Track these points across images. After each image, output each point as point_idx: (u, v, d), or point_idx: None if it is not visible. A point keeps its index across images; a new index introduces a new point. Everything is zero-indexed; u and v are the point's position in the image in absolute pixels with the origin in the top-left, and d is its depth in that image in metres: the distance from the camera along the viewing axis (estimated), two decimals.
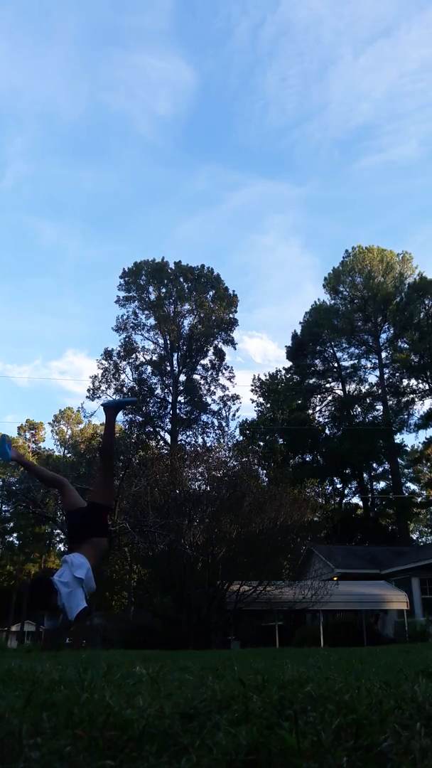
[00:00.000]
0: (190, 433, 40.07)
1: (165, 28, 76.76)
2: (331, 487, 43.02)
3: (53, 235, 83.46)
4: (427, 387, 41.21)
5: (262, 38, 72.35)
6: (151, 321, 41.82)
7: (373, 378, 44.35)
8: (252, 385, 45.78)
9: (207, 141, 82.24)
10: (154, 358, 41.51)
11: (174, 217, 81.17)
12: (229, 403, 40.87)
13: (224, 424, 40.06)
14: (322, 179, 78.77)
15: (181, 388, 41.43)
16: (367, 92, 75.61)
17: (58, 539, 46.84)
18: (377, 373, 43.46)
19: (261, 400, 45.05)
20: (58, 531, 34.40)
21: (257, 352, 77.81)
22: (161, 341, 41.89)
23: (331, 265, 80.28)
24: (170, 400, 40.86)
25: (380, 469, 43.04)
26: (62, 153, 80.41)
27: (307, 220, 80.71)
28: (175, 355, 41.93)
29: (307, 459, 43.20)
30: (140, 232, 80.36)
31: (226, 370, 41.64)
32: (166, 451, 24.98)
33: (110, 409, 5.35)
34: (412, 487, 44.54)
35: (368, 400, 43.51)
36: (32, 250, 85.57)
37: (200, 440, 37.27)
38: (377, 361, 43.35)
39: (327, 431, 43.83)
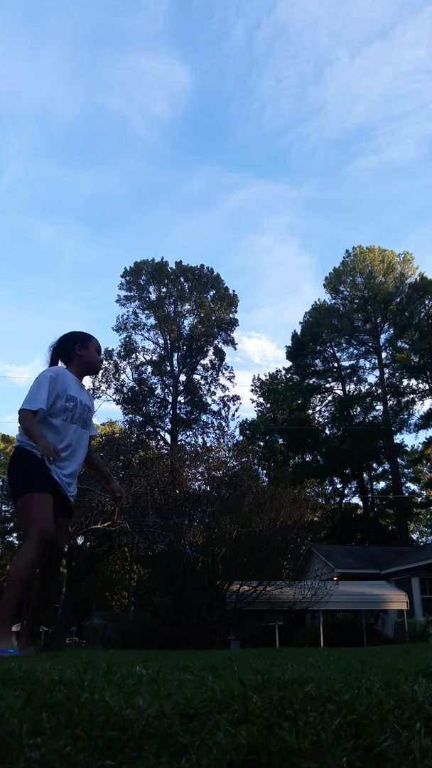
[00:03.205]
0: (190, 433, 40.12)
1: (161, 30, 76.65)
2: (331, 487, 43.05)
3: (51, 235, 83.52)
4: (427, 387, 41.21)
5: (258, 40, 72.23)
6: (151, 321, 41.87)
7: (372, 378, 44.43)
8: (252, 385, 45.85)
9: (204, 142, 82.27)
10: (154, 358, 41.53)
11: (171, 218, 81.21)
12: (229, 403, 40.92)
13: (224, 424, 40.11)
14: (318, 180, 78.77)
15: (181, 388, 41.44)
16: (363, 93, 75.55)
17: None
18: (377, 373, 43.50)
19: (261, 400, 45.09)
20: None
21: (256, 352, 77.89)
22: (161, 341, 41.92)
23: (328, 266, 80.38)
24: (170, 400, 40.86)
25: (380, 469, 43.08)
26: (59, 154, 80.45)
27: (304, 221, 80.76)
28: (175, 355, 41.93)
29: (307, 459, 43.21)
30: (137, 233, 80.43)
31: (226, 370, 41.69)
32: (166, 451, 24.96)
33: None
34: (412, 487, 44.63)
35: (368, 400, 43.52)
36: (30, 250, 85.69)
37: (200, 440, 37.29)
38: (377, 361, 43.36)
39: (327, 431, 43.85)
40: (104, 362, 3.68)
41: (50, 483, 3.47)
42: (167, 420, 40.77)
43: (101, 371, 3.59)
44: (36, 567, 3.31)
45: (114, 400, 40.28)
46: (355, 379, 44.69)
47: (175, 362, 41.85)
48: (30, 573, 3.24)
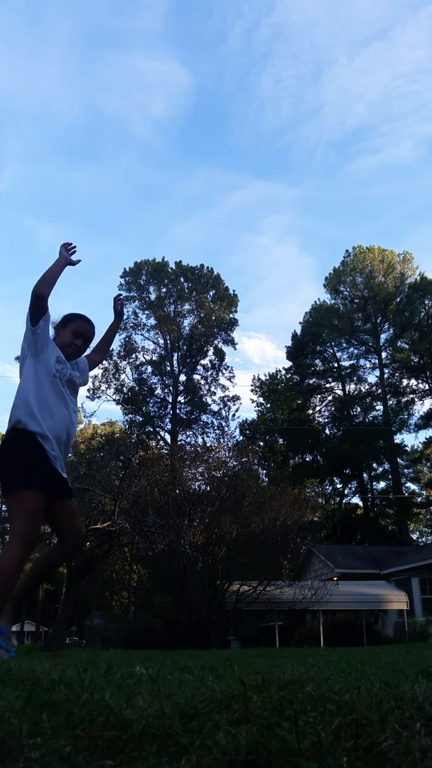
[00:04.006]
0: (190, 433, 40.09)
1: (160, 31, 76.73)
2: (331, 487, 43.05)
3: (50, 236, 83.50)
4: (427, 387, 41.21)
5: (256, 40, 72.29)
6: (152, 321, 41.86)
7: (372, 378, 44.44)
8: (252, 385, 45.85)
9: (203, 142, 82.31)
10: (154, 358, 41.52)
11: (170, 219, 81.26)
12: (229, 403, 40.90)
13: (224, 424, 40.10)
14: (317, 180, 78.77)
15: (181, 388, 41.43)
16: (362, 94, 75.59)
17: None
18: (377, 373, 43.50)
19: (261, 400, 45.09)
20: None
21: (255, 352, 77.90)
22: (161, 341, 41.91)
23: (327, 266, 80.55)
24: (170, 400, 40.86)
25: (380, 469, 43.09)
26: (59, 154, 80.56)
27: (303, 222, 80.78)
28: (175, 355, 41.93)
29: (307, 459, 43.21)
30: (136, 234, 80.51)
31: (226, 370, 41.67)
32: (166, 451, 24.96)
33: None
34: (412, 487, 44.61)
35: (368, 400, 43.53)
36: (29, 251, 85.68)
37: (200, 440, 37.27)
38: (377, 361, 43.37)
39: (327, 431, 43.85)
40: (81, 343, 3.46)
41: (46, 472, 3.21)
42: (167, 420, 40.77)
43: (76, 356, 3.48)
44: (18, 571, 3.04)
45: (114, 400, 40.31)
46: (355, 379, 44.72)
47: (175, 362, 41.85)
48: (11, 577, 3.00)
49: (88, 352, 3.85)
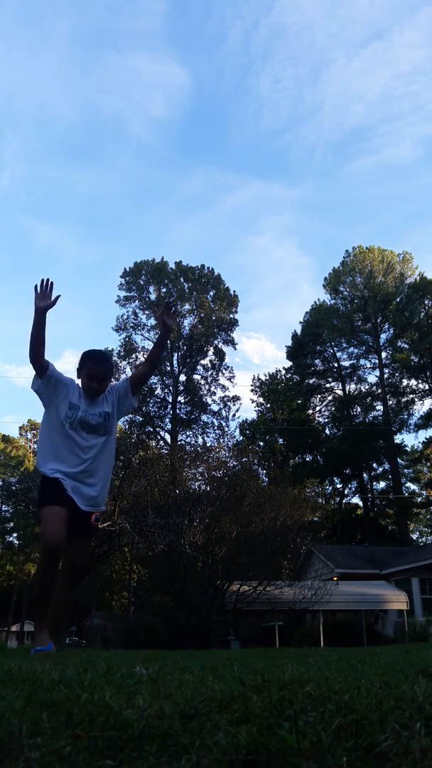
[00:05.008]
0: (190, 433, 40.09)
1: (159, 31, 76.82)
2: (331, 487, 43.05)
3: (49, 236, 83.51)
4: (427, 387, 41.20)
5: (255, 41, 72.29)
6: (151, 321, 41.85)
7: (372, 378, 44.43)
8: (252, 385, 45.82)
9: (202, 143, 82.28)
10: None
11: (169, 219, 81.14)
12: (229, 403, 40.90)
13: (224, 424, 40.09)
14: (316, 181, 78.75)
15: (181, 388, 41.43)
16: (360, 95, 75.58)
17: None
18: (377, 373, 43.49)
19: (261, 400, 45.07)
20: None
21: (255, 352, 77.86)
22: None
23: (326, 267, 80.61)
24: (170, 400, 40.85)
25: (380, 469, 43.07)
26: (58, 155, 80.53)
27: (302, 222, 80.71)
28: (175, 355, 41.92)
29: (307, 459, 43.19)
30: (136, 234, 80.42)
31: (226, 370, 41.67)
32: (166, 451, 24.96)
33: None
34: (412, 487, 44.59)
35: (368, 400, 43.52)
36: (28, 251, 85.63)
37: (200, 440, 37.27)
38: (377, 361, 43.37)
39: (327, 431, 43.84)
40: (97, 384, 3.70)
41: (61, 498, 3.64)
42: (167, 420, 40.77)
43: (97, 395, 3.73)
44: (46, 571, 3.52)
45: None
46: (355, 379, 44.72)
47: (175, 362, 41.84)
48: (41, 577, 3.53)
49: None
